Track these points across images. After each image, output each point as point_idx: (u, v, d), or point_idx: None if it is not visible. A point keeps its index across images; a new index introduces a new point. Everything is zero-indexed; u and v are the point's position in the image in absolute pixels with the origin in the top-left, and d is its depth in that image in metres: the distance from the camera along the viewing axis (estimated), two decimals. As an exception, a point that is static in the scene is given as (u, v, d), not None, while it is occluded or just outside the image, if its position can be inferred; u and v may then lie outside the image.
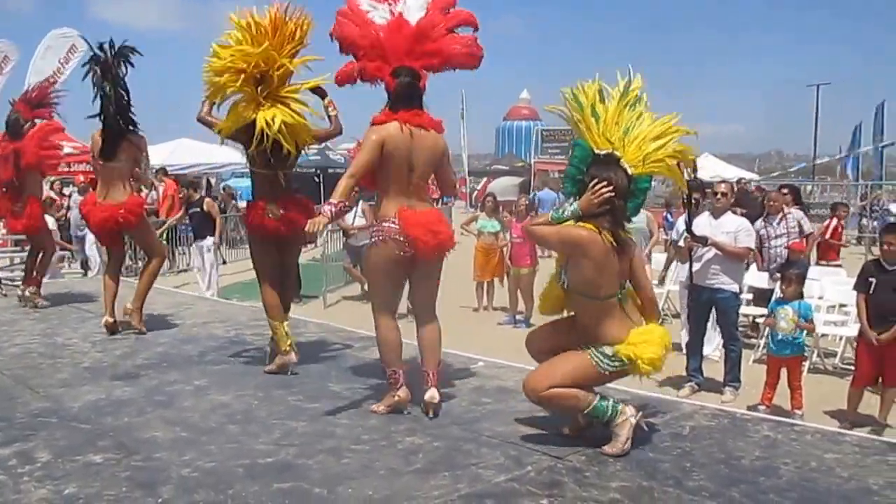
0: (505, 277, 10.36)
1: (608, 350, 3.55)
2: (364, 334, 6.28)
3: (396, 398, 4.09)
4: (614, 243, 3.49)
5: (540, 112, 38.50)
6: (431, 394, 4.08)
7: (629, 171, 3.56)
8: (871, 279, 5.69)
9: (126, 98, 6.07)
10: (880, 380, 5.68)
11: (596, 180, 3.50)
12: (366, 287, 11.34)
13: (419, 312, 4.27)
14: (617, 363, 3.56)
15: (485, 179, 30.18)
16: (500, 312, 10.35)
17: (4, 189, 7.33)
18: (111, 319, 6.10)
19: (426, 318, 4.23)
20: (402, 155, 4.03)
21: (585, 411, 3.58)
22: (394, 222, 4.00)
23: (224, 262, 11.60)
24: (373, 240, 4.12)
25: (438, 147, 4.17)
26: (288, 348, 4.92)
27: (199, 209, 11.02)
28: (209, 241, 10.89)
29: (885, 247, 5.68)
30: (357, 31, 4.39)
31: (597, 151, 3.61)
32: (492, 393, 4.60)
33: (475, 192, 29.81)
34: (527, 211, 10.52)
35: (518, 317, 9.83)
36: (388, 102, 4.16)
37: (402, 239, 3.98)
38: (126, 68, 6.04)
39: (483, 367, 5.23)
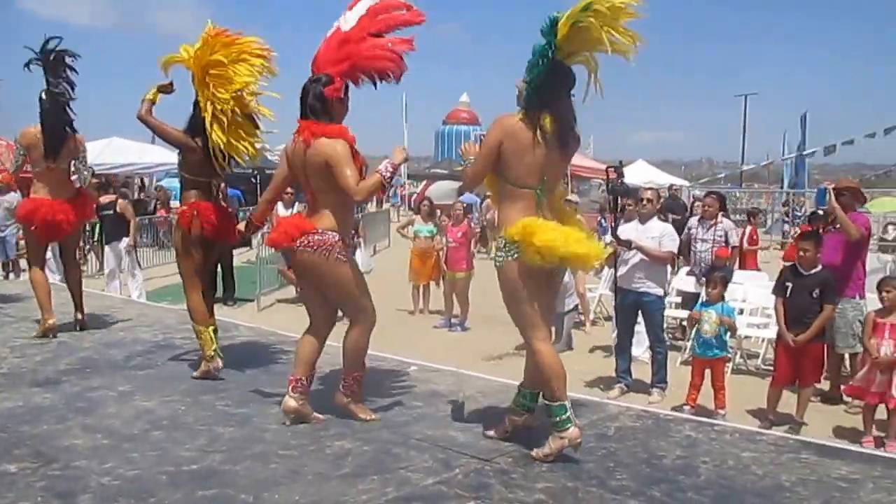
0: (441, 281, 10.40)
1: (501, 240, 3.57)
2: (295, 338, 6.23)
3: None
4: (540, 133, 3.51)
5: (479, 117, 38.92)
6: (337, 396, 4.14)
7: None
8: (787, 283, 5.91)
9: (67, 97, 5.98)
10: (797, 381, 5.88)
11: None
12: (299, 289, 11.29)
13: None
14: (509, 253, 3.52)
15: (423, 183, 30.20)
16: (436, 316, 10.38)
17: None
18: (54, 320, 5.99)
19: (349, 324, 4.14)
20: (297, 167, 4.03)
21: (551, 400, 3.53)
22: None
23: (140, 266, 11.24)
24: None
25: (319, 156, 3.86)
26: (212, 353, 4.88)
27: (112, 211, 10.71)
28: (125, 242, 10.60)
29: (801, 253, 5.90)
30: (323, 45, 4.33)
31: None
32: (423, 396, 4.61)
33: (414, 196, 29.82)
34: (464, 215, 10.60)
35: (453, 320, 9.87)
36: None
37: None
38: (65, 70, 5.94)
39: (415, 371, 5.25)
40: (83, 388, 4.61)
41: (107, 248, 10.87)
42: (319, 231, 3.89)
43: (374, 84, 4.28)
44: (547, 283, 3.67)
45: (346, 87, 4.12)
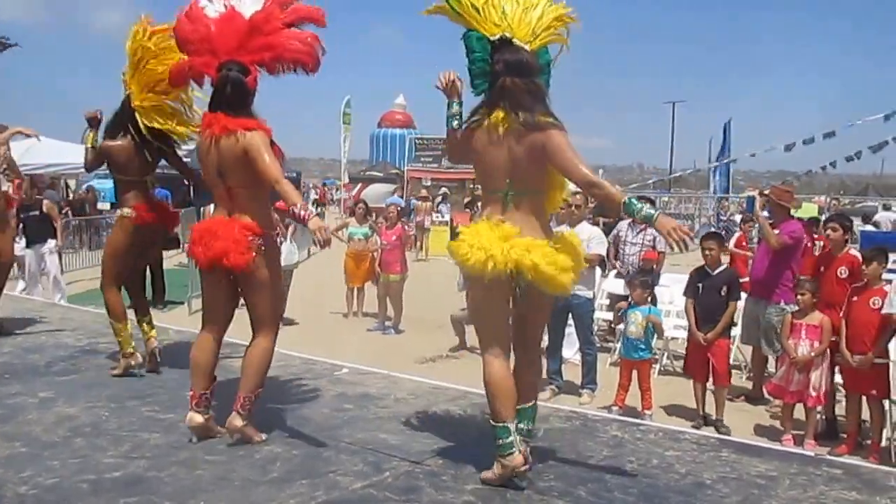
0: (375, 283, 10.37)
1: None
2: (227, 340, 6.14)
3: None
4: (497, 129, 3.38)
5: (414, 119, 38.92)
6: (230, 417, 3.74)
7: (527, 48, 3.46)
8: (698, 284, 6.13)
9: None
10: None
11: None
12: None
13: (252, 328, 3.91)
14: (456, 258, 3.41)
15: (359, 186, 30.12)
16: (369, 318, 10.35)
17: None
18: None
19: (253, 335, 3.87)
20: (210, 162, 3.80)
21: (493, 421, 3.36)
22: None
23: (62, 271, 10.90)
24: None
25: (237, 147, 3.68)
26: (131, 350, 4.90)
27: (37, 212, 10.35)
28: (51, 244, 10.26)
29: (707, 252, 6.13)
30: (189, 26, 4.05)
31: (492, 38, 3.48)
32: (354, 399, 4.60)
33: (347, 199, 29.68)
34: (398, 217, 10.60)
35: (387, 323, 9.85)
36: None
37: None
38: None
39: (347, 374, 5.23)
40: (1, 395, 4.45)
41: (28, 252, 10.41)
42: (256, 228, 3.72)
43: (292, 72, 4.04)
44: (519, 298, 3.42)
45: None
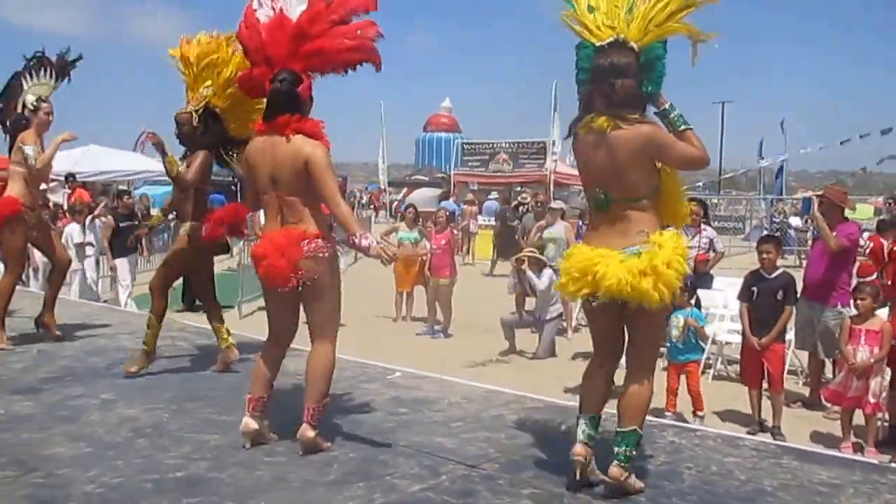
0: (424, 288, 10.41)
1: None
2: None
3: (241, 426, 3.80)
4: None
5: (460, 122, 38.92)
6: (301, 429, 3.69)
7: (635, 47, 3.29)
8: (753, 288, 6.01)
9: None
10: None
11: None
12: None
13: (310, 339, 3.85)
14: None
15: (404, 190, 30.23)
16: (418, 323, 10.38)
17: None
18: None
19: (312, 345, 3.81)
20: (263, 168, 3.73)
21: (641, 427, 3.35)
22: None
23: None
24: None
25: (299, 157, 3.62)
26: (153, 349, 5.20)
27: (131, 221, 10.74)
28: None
29: (764, 256, 6.01)
30: (247, 34, 4.02)
31: (598, 44, 3.34)
32: (408, 403, 4.62)
33: (395, 203, 29.80)
34: (447, 222, 10.63)
35: (436, 327, 9.87)
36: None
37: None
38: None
39: (400, 378, 5.25)
40: (64, 397, 4.56)
41: (123, 261, 10.70)
42: (313, 238, 3.64)
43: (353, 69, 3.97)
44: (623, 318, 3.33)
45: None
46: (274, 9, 3.92)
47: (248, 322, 10.30)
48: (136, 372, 5.06)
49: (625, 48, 3.29)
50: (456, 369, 7.05)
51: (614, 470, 3.23)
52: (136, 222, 10.67)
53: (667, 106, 3.35)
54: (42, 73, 6.04)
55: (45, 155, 5.82)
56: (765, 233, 19.87)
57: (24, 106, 5.93)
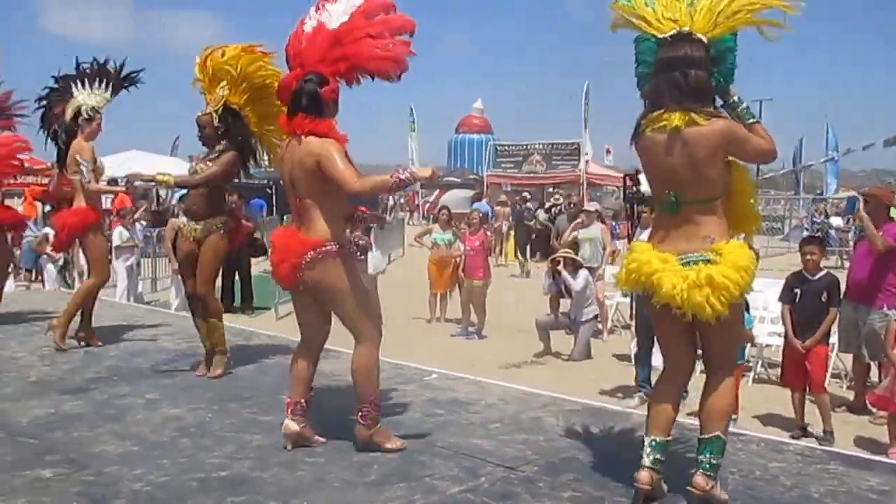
0: (458, 289, 10.43)
1: None
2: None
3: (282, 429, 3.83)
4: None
5: (492, 123, 38.86)
6: (356, 429, 3.78)
7: (704, 39, 3.16)
8: (795, 290, 5.95)
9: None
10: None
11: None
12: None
13: None
14: None
15: (436, 192, 30.26)
16: (452, 324, 10.41)
17: None
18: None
19: (355, 344, 3.84)
20: (284, 170, 3.82)
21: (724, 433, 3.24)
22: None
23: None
24: None
25: (310, 157, 3.64)
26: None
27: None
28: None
29: (808, 257, 5.94)
30: (290, 43, 4.12)
31: (661, 37, 3.22)
32: (444, 404, 4.64)
33: (427, 205, 29.87)
34: (480, 223, 10.64)
35: (471, 329, 9.89)
36: None
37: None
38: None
39: (436, 379, 5.27)
40: (111, 396, 4.67)
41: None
42: (319, 243, 3.65)
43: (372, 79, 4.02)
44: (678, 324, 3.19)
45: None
46: (318, 20, 4.03)
47: (284, 323, 10.42)
48: (221, 374, 5.21)
49: (693, 40, 3.16)
50: (491, 371, 7.06)
51: (699, 479, 3.11)
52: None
53: (735, 98, 3.26)
54: (98, 83, 6.09)
55: (97, 186, 6.08)
56: (805, 233, 19.65)
57: (76, 113, 6.01)
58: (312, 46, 3.95)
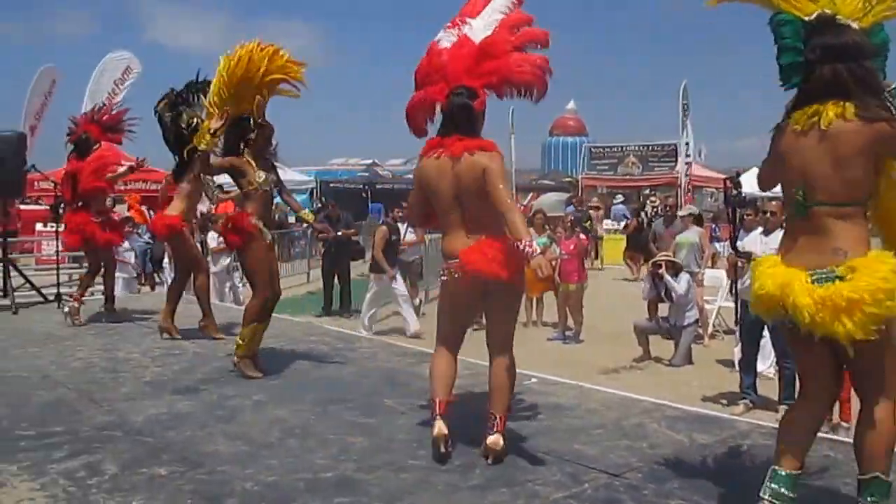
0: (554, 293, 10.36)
1: None
2: (416, 349, 6.38)
3: (434, 431, 3.75)
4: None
5: (587, 125, 38.38)
6: (493, 439, 3.69)
7: (854, 26, 2.84)
8: None
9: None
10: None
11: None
12: (415, 301, 11.52)
13: (489, 349, 3.92)
14: None
15: (530, 195, 30.11)
16: (549, 328, 10.35)
17: (75, 205, 7.51)
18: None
19: (495, 355, 3.86)
20: (444, 187, 3.78)
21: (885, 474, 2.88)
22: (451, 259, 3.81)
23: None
24: (441, 277, 3.94)
25: (477, 170, 3.68)
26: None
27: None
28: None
29: None
30: (425, 62, 4.18)
31: (806, 19, 2.89)
32: (545, 409, 4.60)
33: (521, 209, 29.75)
34: (573, 226, 10.54)
35: (567, 333, 9.81)
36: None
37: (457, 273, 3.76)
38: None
39: (536, 384, 5.24)
40: (220, 397, 4.83)
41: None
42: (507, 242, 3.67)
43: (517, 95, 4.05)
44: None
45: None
46: (458, 35, 4.12)
47: (381, 326, 10.61)
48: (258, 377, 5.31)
49: (845, 26, 2.83)
50: (590, 375, 6.98)
51: None
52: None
53: (894, 87, 2.91)
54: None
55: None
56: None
57: (188, 124, 6.30)
58: (457, 59, 4.02)
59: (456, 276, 3.75)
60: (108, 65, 18.54)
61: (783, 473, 2.86)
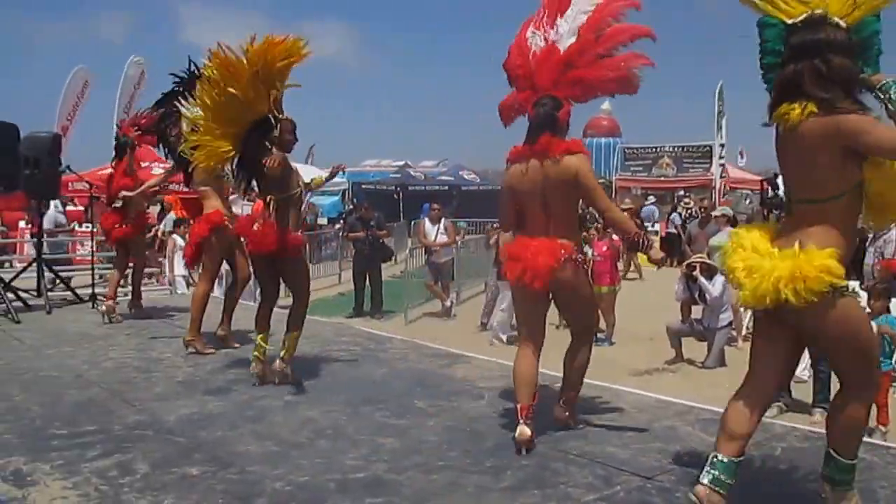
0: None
1: None
2: (448, 351, 6.36)
3: (517, 433, 3.84)
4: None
5: (621, 125, 38.04)
6: (558, 408, 4.18)
7: (841, 23, 2.85)
8: None
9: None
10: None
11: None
12: (446, 304, 11.51)
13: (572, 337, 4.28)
14: None
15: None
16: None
17: (116, 205, 7.63)
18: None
19: (575, 341, 4.24)
20: (530, 187, 3.94)
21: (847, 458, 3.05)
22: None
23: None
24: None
25: (569, 173, 3.85)
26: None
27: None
28: None
29: None
30: (517, 60, 4.31)
31: (791, 22, 2.92)
32: (578, 411, 4.54)
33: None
34: (605, 228, 10.44)
35: (600, 335, 9.71)
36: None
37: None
38: None
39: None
40: (251, 397, 4.85)
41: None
42: (573, 249, 3.93)
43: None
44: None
45: None
46: (546, 39, 4.23)
47: (413, 327, 10.61)
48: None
49: (830, 24, 2.84)
50: (622, 377, 6.89)
51: (700, 489, 2.91)
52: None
53: (885, 81, 2.82)
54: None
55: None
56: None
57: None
58: (545, 70, 4.18)
59: (525, 279, 3.92)
60: (130, 69, 19.27)
61: (724, 460, 2.93)
